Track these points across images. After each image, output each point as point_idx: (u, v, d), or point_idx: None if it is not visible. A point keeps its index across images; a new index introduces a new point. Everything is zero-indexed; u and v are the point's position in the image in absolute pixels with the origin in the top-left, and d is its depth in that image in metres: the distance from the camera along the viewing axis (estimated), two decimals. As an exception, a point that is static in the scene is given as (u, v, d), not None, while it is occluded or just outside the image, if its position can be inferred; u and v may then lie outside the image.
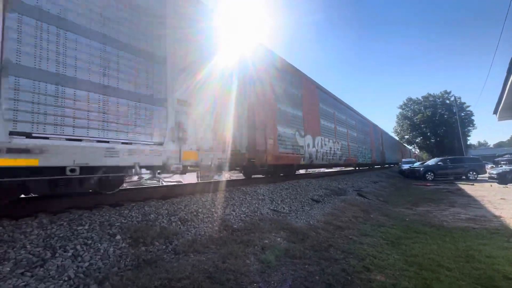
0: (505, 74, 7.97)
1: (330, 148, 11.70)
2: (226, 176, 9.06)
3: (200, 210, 4.21)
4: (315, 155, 10.04)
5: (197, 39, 5.07)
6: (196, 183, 8.44)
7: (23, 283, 1.98)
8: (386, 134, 28.84)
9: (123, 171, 3.84)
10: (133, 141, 3.79)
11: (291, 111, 8.56)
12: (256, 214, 4.75)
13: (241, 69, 6.61)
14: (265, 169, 7.46)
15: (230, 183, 7.10)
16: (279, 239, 3.68)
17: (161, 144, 4.16)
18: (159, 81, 4.28)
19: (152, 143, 4.05)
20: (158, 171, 4.43)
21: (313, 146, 9.93)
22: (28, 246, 2.42)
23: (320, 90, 11.53)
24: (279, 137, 7.67)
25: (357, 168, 19.34)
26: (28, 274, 2.09)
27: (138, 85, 3.96)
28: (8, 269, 2.09)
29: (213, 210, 4.36)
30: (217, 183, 6.55)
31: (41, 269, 2.18)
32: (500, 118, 12.41)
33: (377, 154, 21.47)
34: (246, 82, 6.70)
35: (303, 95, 9.52)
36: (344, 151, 13.55)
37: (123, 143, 3.67)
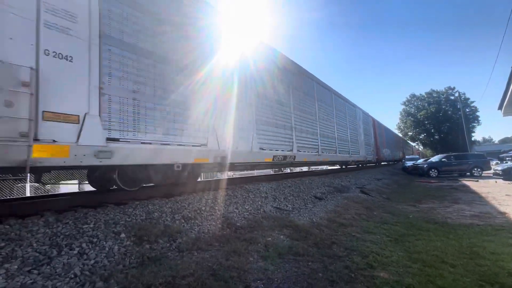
0: (509, 70, 7.87)
1: (388, 152, 24.66)
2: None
3: (203, 208, 4.23)
4: (385, 156, 23.40)
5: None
6: (198, 181, 8.48)
7: (31, 281, 2.01)
8: (404, 139, 45.08)
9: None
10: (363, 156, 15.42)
11: (380, 139, 21.53)
12: (259, 212, 4.77)
13: (359, 114, 16.31)
14: (376, 163, 20.95)
15: (232, 181, 7.12)
16: (282, 236, 3.69)
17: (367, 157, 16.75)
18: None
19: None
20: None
21: (385, 153, 23.15)
22: (34, 244, 2.45)
23: (386, 128, 26.38)
24: (381, 151, 21.31)
25: (391, 163, 30.13)
26: (35, 271, 2.13)
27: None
28: (16, 267, 2.12)
29: (216, 208, 4.38)
30: (219, 181, 6.58)
31: (48, 266, 2.22)
32: (505, 114, 12.27)
33: (400, 153, 34.42)
34: (365, 122, 17.51)
35: (381, 130, 22.95)
36: (391, 153, 26.78)
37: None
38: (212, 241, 3.31)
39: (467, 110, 45.67)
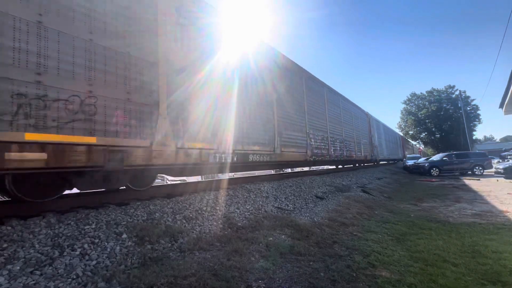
0: (510, 68, 7.85)
1: (407, 152, 36.60)
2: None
3: (204, 208, 4.24)
4: (406, 155, 34.39)
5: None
6: (199, 181, 8.49)
7: (33, 282, 2.02)
8: (409, 141, 52.18)
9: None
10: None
11: (404, 146, 37.15)
12: (260, 211, 4.77)
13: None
14: (403, 159, 31.73)
15: (233, 181, 7.12)
16: (283, 236, 3.69)
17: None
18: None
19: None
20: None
21: (406, 153, 34.69)
22: (36, 245, 2.46)
23: (404, 137, 40.60)
24: (405, 152, 35.05)
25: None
26: (38, 272, 2.14)
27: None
28: (18, 268, 2.13)
29: (218, 208, 4.39)
30: (220, 181, 6.58)
31: (50, 267, 2.22)
32: (507, 112, 12.25)
33: (411, 151, 43.81)
34: (398, 138, 33.58)
35: (404, 141, 38.60)
36: (407, 153, 36.39)
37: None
38: (213, 241, 3.31)
39: (468, 108, 45.54)
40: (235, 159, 5.35)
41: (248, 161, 5.83)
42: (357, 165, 17.22)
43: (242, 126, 5.75)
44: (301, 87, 8.92)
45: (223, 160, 5.05)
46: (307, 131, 8.86)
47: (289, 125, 7.74)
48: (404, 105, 54.24)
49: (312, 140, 9.16)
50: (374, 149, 18.33)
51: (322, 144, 9.96)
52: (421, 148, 54.65)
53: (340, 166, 15.75)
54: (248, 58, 6.37)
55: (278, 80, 7.38)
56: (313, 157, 9.11)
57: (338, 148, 11.67)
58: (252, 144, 5.99)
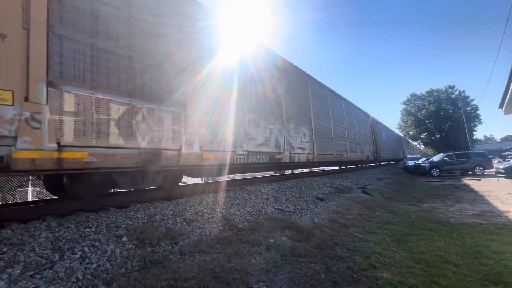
0: (510, 68, 7.86)
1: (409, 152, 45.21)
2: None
3: (204, 210, 4.23)
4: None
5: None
6: (200, 183, 8.48)
7: (33, 285, 2.01)
8: (409, 142, 57.42)
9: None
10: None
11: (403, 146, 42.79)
12: (260, 213, 4.76)
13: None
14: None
15: (233, 182, 7.12)
16: (284, 238, 3.69)
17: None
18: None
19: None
20: None
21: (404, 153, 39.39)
22: (37, 249, 2.46)
23: (407, 140, 46.65)
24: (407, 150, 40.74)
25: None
26: (38, 276, 2.13)
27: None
28: (18, 271, 2.12)
29: (218, 210, 4.38)
30: (220, 183, 6.57)
31: (50, 271, 2.22)
32: (506, 112, 12.27)
33: (411, 151, 48.92)
34: (406, 142, 44.96)
35: (410, 144, 50.13)
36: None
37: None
38: (214, 243, 3.31)
39: (468, 108, 45.49)
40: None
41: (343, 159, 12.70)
42: (389, 162, 30.11)
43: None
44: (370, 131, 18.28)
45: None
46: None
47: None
48: (404, 106, 54.31)
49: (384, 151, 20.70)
50: (404, 153, 34.52)
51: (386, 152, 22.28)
52: (421, 148, 54.62)
53: (383, 163, 26.80)
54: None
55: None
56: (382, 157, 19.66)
57: (391, 154, 25.43)
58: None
